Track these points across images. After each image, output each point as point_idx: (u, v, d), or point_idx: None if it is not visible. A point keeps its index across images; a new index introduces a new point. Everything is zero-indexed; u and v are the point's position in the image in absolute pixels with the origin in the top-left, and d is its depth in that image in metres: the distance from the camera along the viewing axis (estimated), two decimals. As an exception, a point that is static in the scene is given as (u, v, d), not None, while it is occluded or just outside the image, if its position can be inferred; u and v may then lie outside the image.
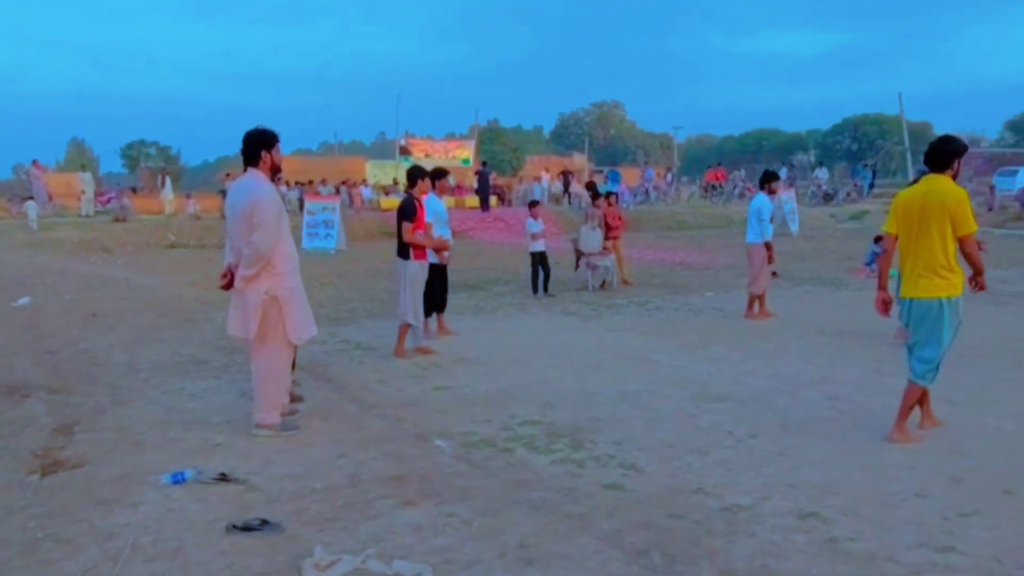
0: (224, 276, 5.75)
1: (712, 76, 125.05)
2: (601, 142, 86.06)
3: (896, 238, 5.37)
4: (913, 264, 5.23)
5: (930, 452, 5.17)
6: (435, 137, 43.39)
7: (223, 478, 4.73)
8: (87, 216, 26.87)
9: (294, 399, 6.17)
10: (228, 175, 30.36)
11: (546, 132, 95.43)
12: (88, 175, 29.93)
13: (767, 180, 10.65)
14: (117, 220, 25.00)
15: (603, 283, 13.18)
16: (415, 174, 8.39)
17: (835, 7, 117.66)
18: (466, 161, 38.94)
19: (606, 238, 13.62)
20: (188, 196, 30.40)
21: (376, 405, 6.43)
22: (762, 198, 10.42)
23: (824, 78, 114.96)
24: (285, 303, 5.57)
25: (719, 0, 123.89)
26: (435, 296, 9.06)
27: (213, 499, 4.45)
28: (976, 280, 5.34)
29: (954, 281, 5.14)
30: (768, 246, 10.27)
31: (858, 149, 71.03)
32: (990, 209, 27.22)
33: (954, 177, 5.23)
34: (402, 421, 5.99)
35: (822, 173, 38.75)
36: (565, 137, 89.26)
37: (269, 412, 5.63)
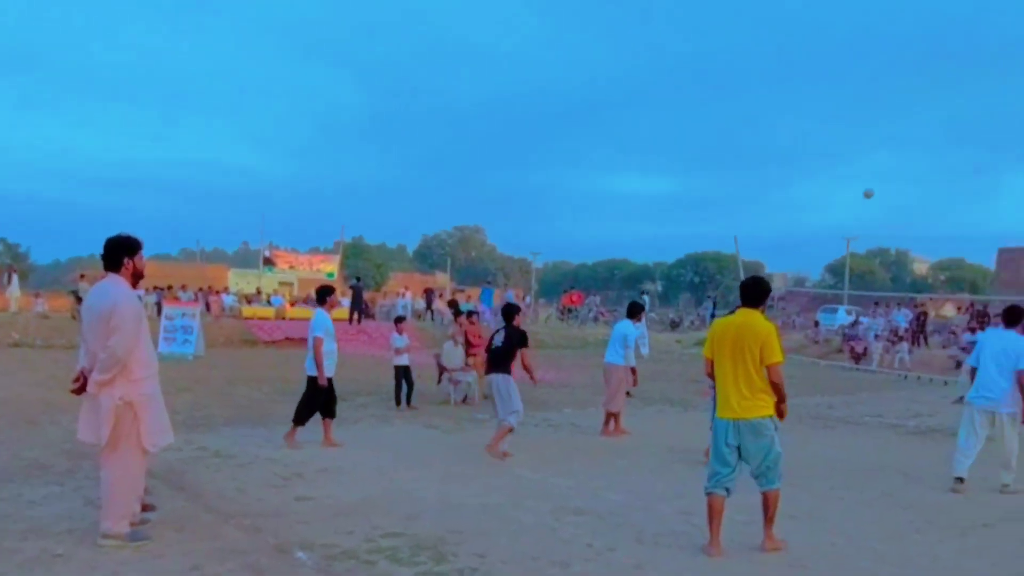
0: (76, 380, 5.54)
1: (568, 209, 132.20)
2: (463, 263, 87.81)
3: (711, 362, 5.82)
4: (734, 387, 5.63)
5: (775, 564, 5.49)
6: (299, 250, 43.26)
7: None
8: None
9: (146, 508, 5.89)
10: (82, 276, 29.07)
11: (410, 251, 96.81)
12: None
13: (635, 311, 11.45)
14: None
15: (465, 398, 13.35)
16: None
17: (680, 157, 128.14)
18: (330, 275, 39.12)
19: (468, 355, 13.86)
20: (36, 295, 28.98)
21: (234, 515, 6.22)
22: (628, 325, 11.10)
23: (669, 216, 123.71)
24: (140, 409, 5.41)
25: (574, 143, 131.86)
26: (319, 406, 9.21)
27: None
28: (778, 408, 5.70)
29: (769, 402, 5.63)
30: (633, 370, 10.96)
31: (699, 282, 75.62)
32: (816, 342, 29.41)
33: (763, 311, 5.82)
34: (261, 532, 5.81)
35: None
36: (428, 256, 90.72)
37: (118, 521, 5.36)
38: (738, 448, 5.66)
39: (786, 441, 10.82)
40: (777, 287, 60.52)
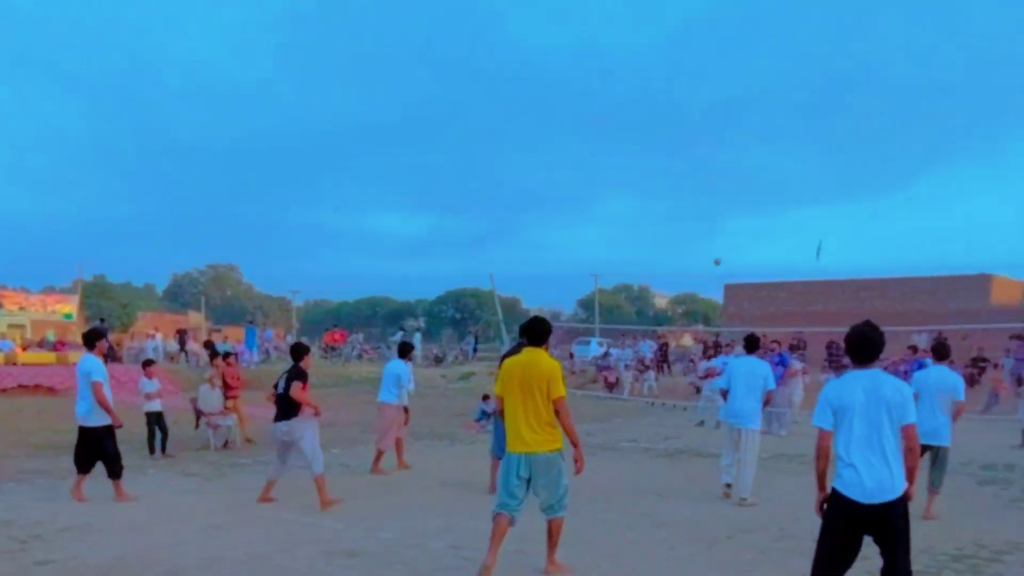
0: None
1: (326, 247, 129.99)
2: (218, 302, 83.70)
3: (502, 399, 5.98)
4: (524, 422, 5.79)
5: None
6: (31, 289, 39.29)
7: None
8: None
9: None
10: None
11: (159, 290, 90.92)
12: None
13: (405, 351, 11.75)
14: None
15: (226, 443, 12.72)
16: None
17: (437, 197, 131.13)
18: (68, 316, 35.82)
19: (226, 397, 13.26)
20: None
21: (-42, 588, 5.52)
22: (400, 364, 11.30)
23: (428, 254, 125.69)
24: None
25: (330, 182, 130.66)
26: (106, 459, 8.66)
27: None
28: (575, 456, 5.87)
29: (557, 435, 5.85)
30: (406, 409, 11.18)
31: (461, 318, 77.28)
32: (572, 373, 30.99)
33: (546, 349, 6.10)
34: (-7, 604, 5.20)
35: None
36: (180, 295, 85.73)
37: None
38: (527, 480, 5.80)
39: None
40: (535, 322, 63.09)
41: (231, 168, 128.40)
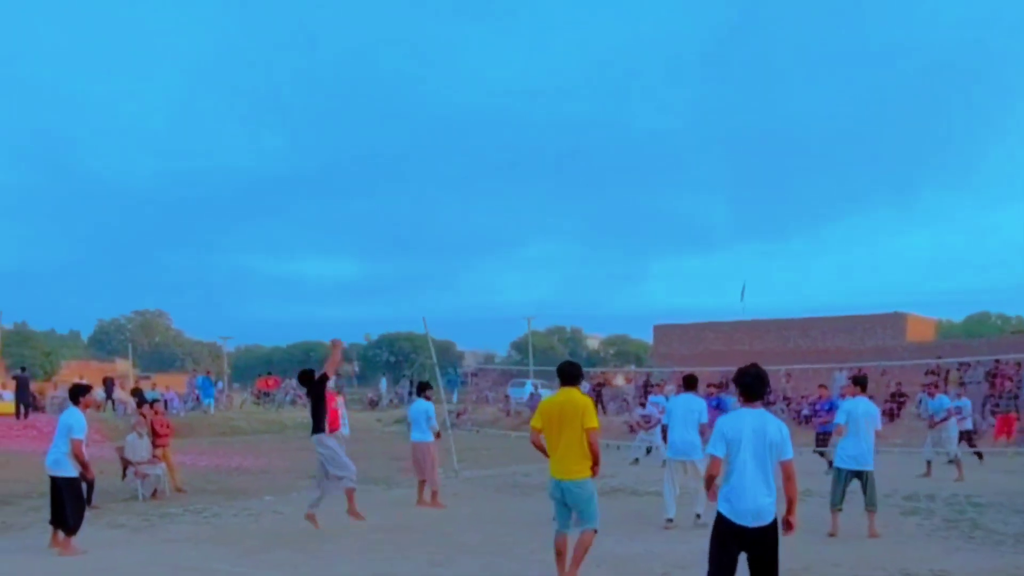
0: None
1: (257, 292, 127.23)
2: (146, 348, 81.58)
3: (540, 431, 6.88)
4: (564, 453, 6.69)
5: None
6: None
7: None
8: None
9: None
10: None
11: (84, 337, 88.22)
12: None
13: (423, 388, 12.41)
14: None
15: (154, 492, 12.36)
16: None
17: (365, 242, 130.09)
18: (-12, 364, 34.46)
19: (155, 446, 12.95)
20: None
21: None
22: (423, 402, 11.97)
23: (360, 299, 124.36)
24: None
25: (256, 228, 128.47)
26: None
27: None
28: (593, 470, 6.78)
29: (588, 463, 6.74)
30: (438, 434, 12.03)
31: (396, 361, 76.78)
32: (508, 414, 31.05)
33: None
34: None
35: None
36: (106, 343, 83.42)
37: None
38: (564, 502, 6.78)
39: (486, 509, 11.35)
40: (468, 364, 63.05)
41: (157, 212, 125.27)
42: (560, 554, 6.83)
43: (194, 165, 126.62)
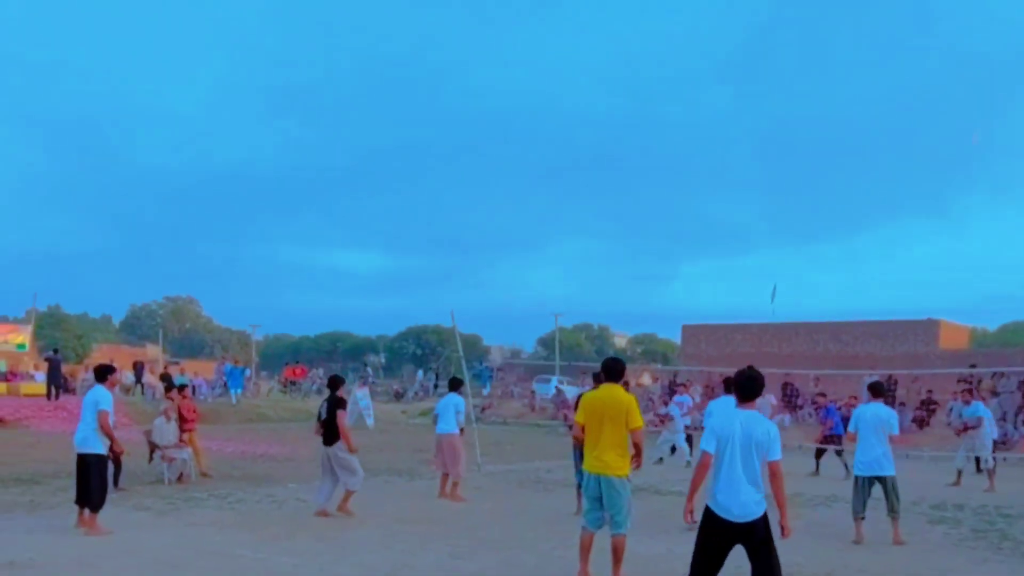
0: None
1: (287, 282, 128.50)
2: (176, 334, 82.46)
3: (584, 427, 6.80)
4: (601, 448, 6.63)
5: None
6: (-18, 319, 38.52)
7: None
8: None
9: None
10: None
11: (116, 321, 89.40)
12: None
13: (456, 385, 12.52)
14: None
15: (180, 476, 12.49)
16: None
17: (396, 236, 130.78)
18: (21, 346, 35.11)
19: (182, 431, 13.07)
20: None
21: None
22: (454, 396, 12.08)
23: (390, 291, 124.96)
24: None
25: (289, 218, 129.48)
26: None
27: None
28: (636, 460, 6.75)
29: (626, 462, 6.71)
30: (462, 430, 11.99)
31: (422, 354, 76.97)
32: (533, 409, 31.02)
33: (625, 385, 6.93)
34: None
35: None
36: (137, 327, 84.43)
37: None
38: (599, 499, 6.70)
39: (509, 504, 11.34)
40: (494, 359, 63.08)
41: (191, 201, 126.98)
42: (585, 550, 6.82)
43: (229, 156, 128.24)
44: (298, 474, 13.80)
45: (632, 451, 6.75)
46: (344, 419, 10.08)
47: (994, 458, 14.89)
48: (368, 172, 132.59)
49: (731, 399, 9.36)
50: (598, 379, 10.59)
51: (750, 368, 5.63)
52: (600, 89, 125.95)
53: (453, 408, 11.93)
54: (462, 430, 12.04)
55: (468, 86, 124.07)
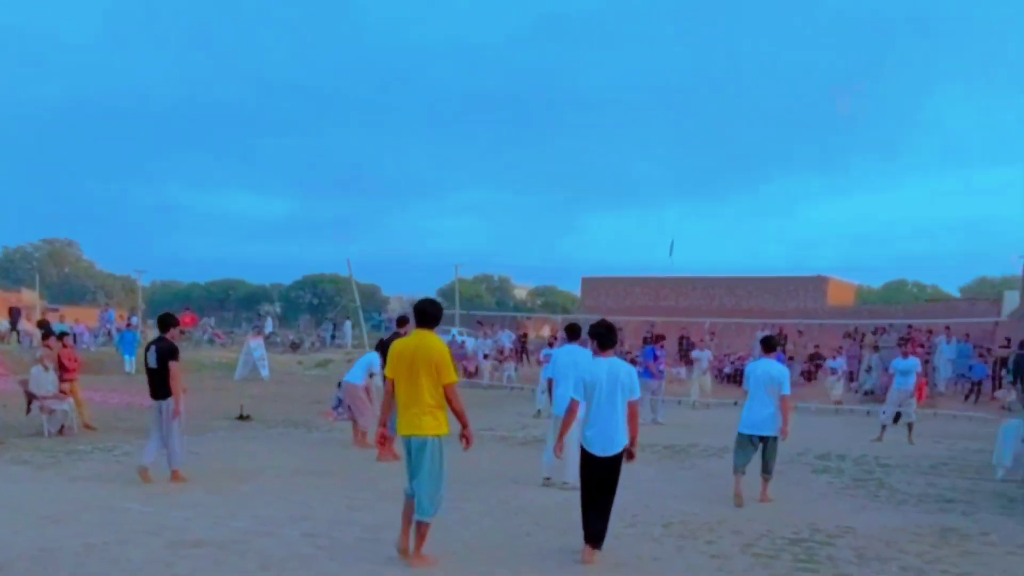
0: None
1: (176, 225, 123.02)
2: (55, 279, 78.37)
3: (394, 382, 5.91)
4: (408, 405, 5.77)
5: None
6: None
7: None
8: None
9: None
10: None
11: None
12: None
13: (382, 346, 11.69)
14: None
15: (61, 428, 11.90)
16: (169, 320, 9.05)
17: (293, 181, 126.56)
18: None
19: (62, 380, 12.43)
20: None
21: None
22: (374, 355, 11.91)
23: (286, 237, 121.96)
24: None
25: (180, 157, 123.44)
26: None
27: None
28: (463, 434, 5.87)
29: (443, 420, 5.80)
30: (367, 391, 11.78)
31: (318, 303, 75.70)
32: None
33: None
34: None
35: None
36: (12, 271, 79.71)
37: None
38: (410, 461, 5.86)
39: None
40: (393, 310, 62.64)
41: (74, 137, 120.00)
42: (406, 518, 5.93)
43: (113, 89, 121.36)
44: (188, 426, 13.20)
45: (450, 411, 5.81)
46: (178, 372, 8.65)
47: (915, 413, 14.53)
48: (266, 111, 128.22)
49: (574, 347, 9.02)
50: (401, 323, 10.83)
51: (603, 321, 6.44)
52: (509, 41, 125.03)
53: (367, 364, 11.97)
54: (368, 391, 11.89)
55: (380, 29, 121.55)
